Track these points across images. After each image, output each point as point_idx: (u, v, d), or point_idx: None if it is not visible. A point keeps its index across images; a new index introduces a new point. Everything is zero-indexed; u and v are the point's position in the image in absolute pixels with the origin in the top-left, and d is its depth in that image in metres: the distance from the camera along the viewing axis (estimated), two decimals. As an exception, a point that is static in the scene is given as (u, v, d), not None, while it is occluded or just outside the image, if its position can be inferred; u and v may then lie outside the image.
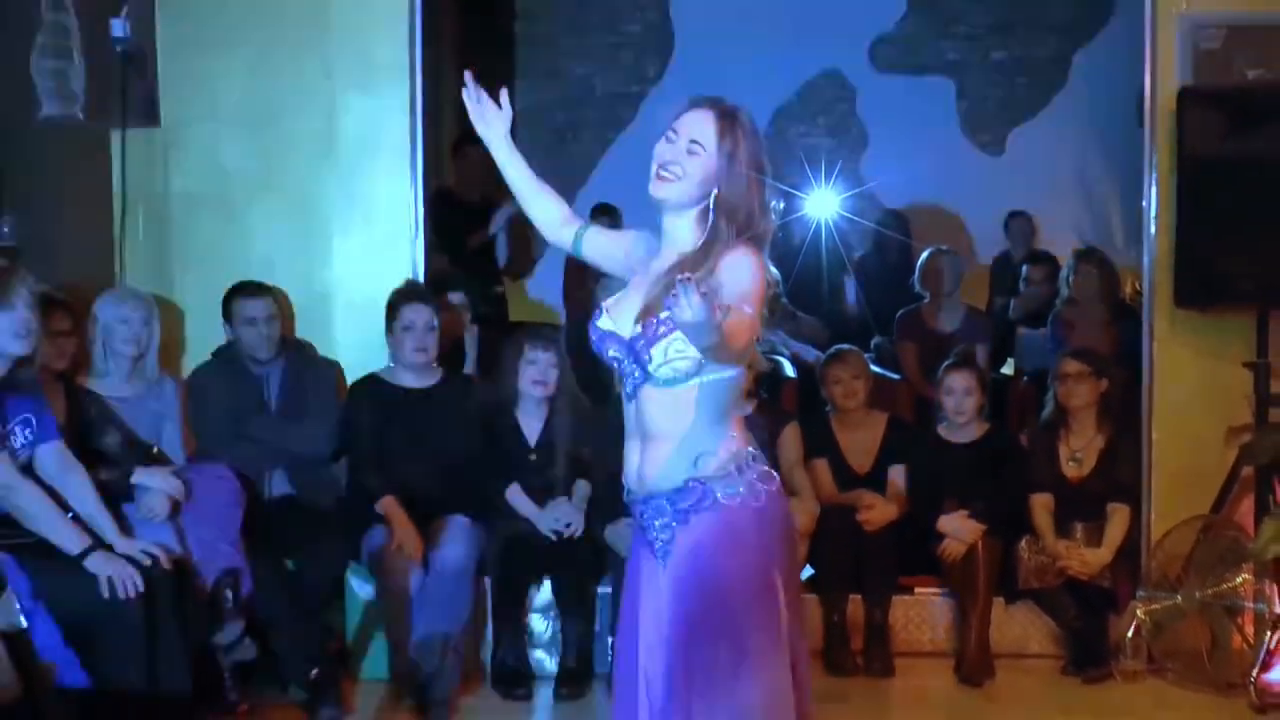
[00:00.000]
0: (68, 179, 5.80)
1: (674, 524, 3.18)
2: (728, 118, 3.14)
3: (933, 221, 8.67)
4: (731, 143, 3.11)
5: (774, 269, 3.47)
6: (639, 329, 3.15)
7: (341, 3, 6.17)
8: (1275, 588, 5.51)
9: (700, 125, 3.12)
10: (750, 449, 3.25)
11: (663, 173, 3.13)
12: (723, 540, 3.16)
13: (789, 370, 7.14)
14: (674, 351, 3.09)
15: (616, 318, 3.25)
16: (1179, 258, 5.85)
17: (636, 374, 3.17)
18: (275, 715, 5.24)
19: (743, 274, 3.07)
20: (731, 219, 3.12)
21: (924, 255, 7.94)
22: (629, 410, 3.23)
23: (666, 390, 3.14)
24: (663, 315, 3.07)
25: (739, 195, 3.13)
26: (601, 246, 3.47)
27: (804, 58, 9.88)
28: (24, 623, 2.66)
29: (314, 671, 5.29)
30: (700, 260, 3.10)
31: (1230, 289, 5.72)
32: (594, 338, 3.28)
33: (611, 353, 3.23)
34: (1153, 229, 6.10)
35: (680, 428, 3.16)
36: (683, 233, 3.19)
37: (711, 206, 3.13)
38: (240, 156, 6.18)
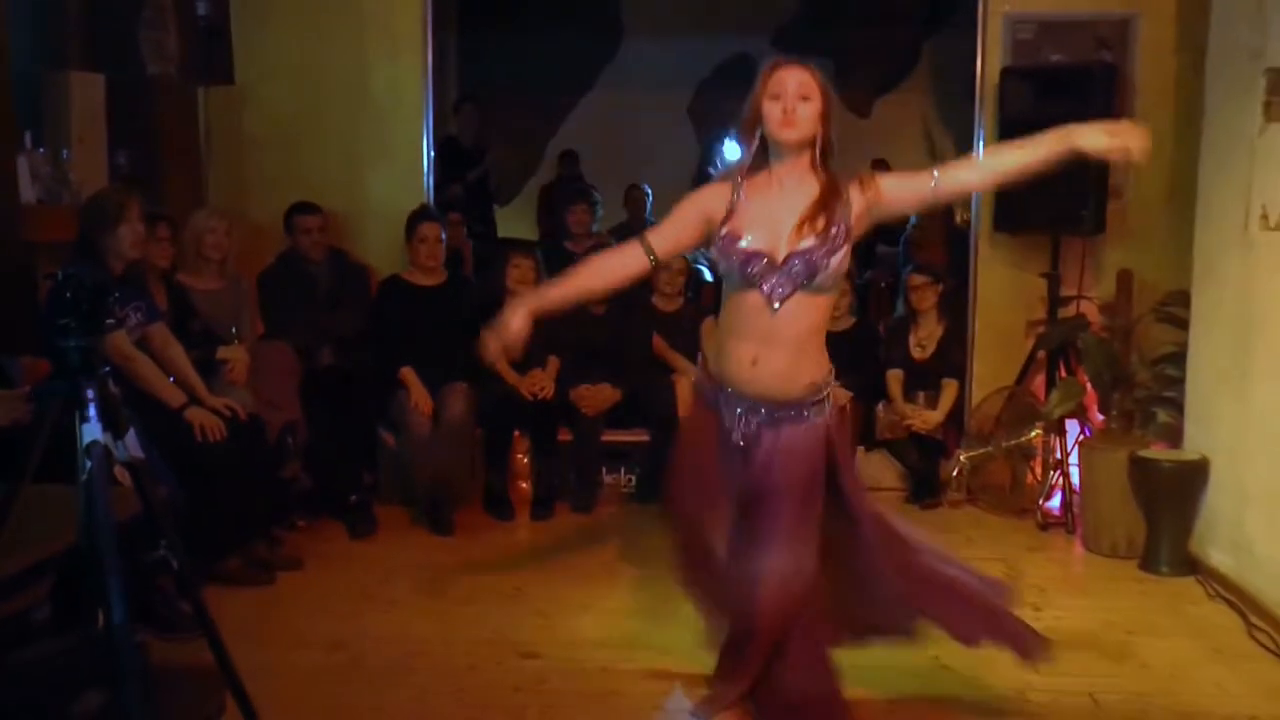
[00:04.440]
0: (165, 123, 5.68)
1: (765, 427, 2.97)
2: (812, 70, 2.96)
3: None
4: (826, 91, 2.95)
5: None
6: (812, 241, 2.90)
7: (372, -13, 6.10)
8: (1058, 440, 5.59)
9: (807, 80, 2.93)
10: (831, 369, 3.06)
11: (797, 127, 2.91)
12: (797, 451, 3.00)
13: (708, 276, 7.17)
14: (839, 260, 2.92)
15: (761, 238, 2.93)
16: (997, 196, 5.86)
17: (791, 283, 2.89)
18: (325, 530, 5.27)
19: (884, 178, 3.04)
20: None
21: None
22: (757, 320, 2.92)
23: (815, 298, 2.92)
24: (833, 231, 2.91)
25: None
26: (672, 241, 3.08)
27: (721, 44, 9.80)
28: (143, 455, 2.67)
29: (353, 498, 5.36)
30: (839, 182, 2.96)
31: (1032, 218, 5.77)
32: (733, 258, 2.92)
33: (755, 269, 2.91)
34: (979, 174, 6.15)
35: (809, 335, 2.97)
36: (802, 161, 2.96)
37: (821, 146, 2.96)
38: (295, 107, 6.10)
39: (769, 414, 2.99)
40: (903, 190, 3.06)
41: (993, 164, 3.17)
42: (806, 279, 2.90)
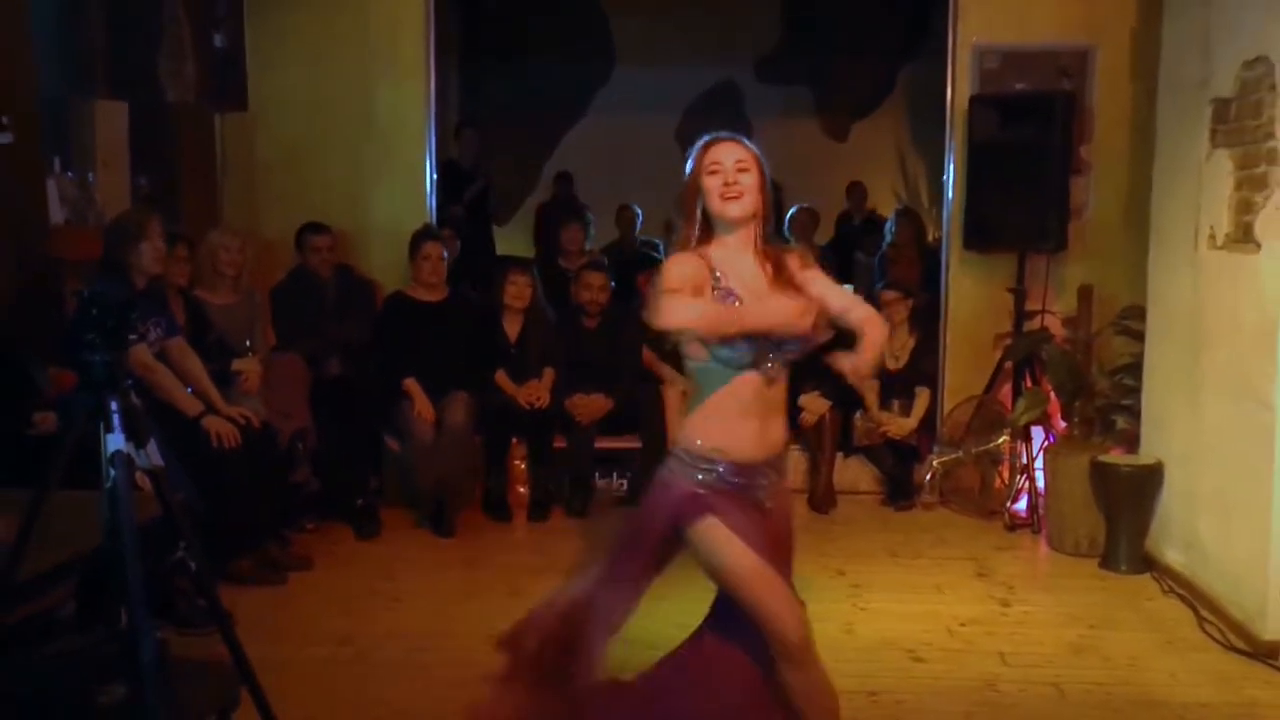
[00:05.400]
0: (184, 148, 5.73)
1: (775, 479, 2.83)
2: (746, 144, 2.81)
3: (797, 187, 8.68)
4: (761, 163, 2.80)
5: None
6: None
7: (377, 20, 6.10)
8: (1024, 446, 5.61)
9: (744, 154, 2.79)
10: None
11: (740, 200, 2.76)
12: (789, 499, 2.95)
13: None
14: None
15: None
16: (966, 215, 5.91)
17: (785, 358, 2.76)
18: (333, 532, 5.28)
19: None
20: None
21: (791, 211, 7.90)
22: (761, 396, 2.75)
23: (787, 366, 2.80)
24: (808, 306, 2.74)
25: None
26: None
27: (707, 71, 9.82)
28: (163, 462, 2.68)
29: (359, 501, 5.38)
30: (783, 255, 2.86)
31: (1000, 237, 5.81)
32: (754, 344, 2.71)
33: (769, 352, 2.74)
34: (949, 194, 6.15)
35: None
36: (748, 234, 2.81)
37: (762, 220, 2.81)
38: (305, 132, 6.11)
39: (778, 470, 2.87)
40: (823, 296, 2.87)
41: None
42: (801, 355, 2.81)
